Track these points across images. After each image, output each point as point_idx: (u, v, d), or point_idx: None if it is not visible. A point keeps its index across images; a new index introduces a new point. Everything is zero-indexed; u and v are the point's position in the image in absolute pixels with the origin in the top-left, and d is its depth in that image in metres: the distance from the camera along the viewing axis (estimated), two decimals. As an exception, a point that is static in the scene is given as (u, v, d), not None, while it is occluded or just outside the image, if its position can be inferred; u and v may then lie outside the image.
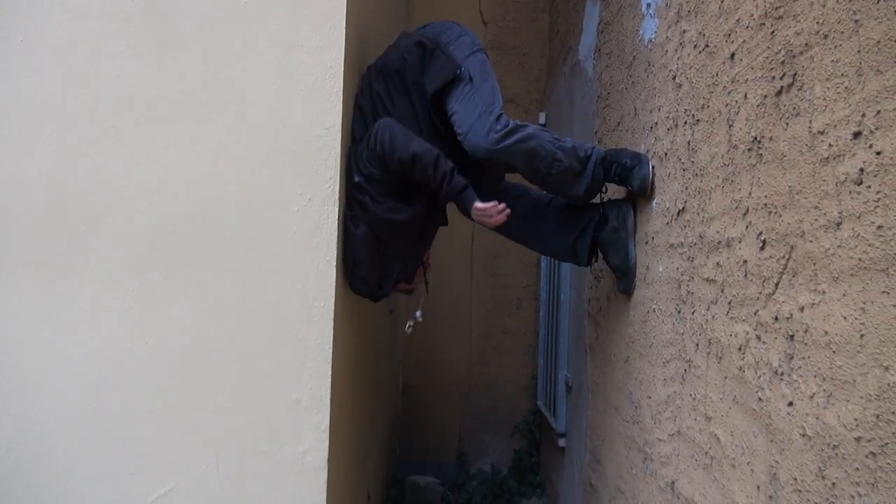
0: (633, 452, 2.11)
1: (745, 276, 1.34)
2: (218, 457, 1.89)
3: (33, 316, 1.87)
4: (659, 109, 1.96)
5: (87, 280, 1.88)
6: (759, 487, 1.26)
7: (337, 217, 1.91)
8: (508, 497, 3.84)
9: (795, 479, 1.12)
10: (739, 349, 1.36)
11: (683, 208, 1.73)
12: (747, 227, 1.34)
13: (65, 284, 1.87)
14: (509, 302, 4.29)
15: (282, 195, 1.90)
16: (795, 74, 1.17)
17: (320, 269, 1.87)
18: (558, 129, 3.67)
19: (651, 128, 2.04)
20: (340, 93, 1.90)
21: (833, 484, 1.02)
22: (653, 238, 1.99)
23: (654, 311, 1.95)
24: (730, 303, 1.42)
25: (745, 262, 1.34)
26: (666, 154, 1.89)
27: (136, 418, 1.88)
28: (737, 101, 1.41)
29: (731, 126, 1.44)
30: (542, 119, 4.19)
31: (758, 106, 1.30)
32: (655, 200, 1.98)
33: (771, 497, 1.21)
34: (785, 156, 1.19)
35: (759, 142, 1.29)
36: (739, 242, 1.38)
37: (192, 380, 1.89)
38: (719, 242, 1.49)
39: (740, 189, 1.38)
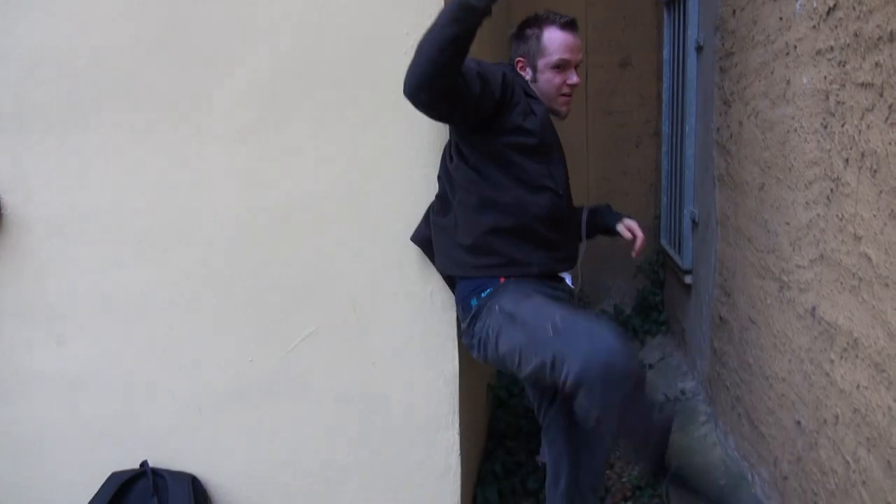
0: (768, 282, 2.03)
1: (913, 72, 1.17)
2: (354, 299, 2.01)
3: (174, 177, 1.98)
4: None
5: (214, 139, 1.95)
6: (917, 304, 1.17)
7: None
8: (633, 335, 3.88)
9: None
10: (901, 158, 1.22)
11: (835, 5, 1.51)
12: (919, 13, 1.15)
13: (194, 145, 1.96)
14: (628, 140, 4.08)
15: (387, 40, 1.85)
16: None
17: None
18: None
19: (796, -86, 1.75)
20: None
21: None
22: (794, 47, 1.78)
23: (796, 130, 1.78)
24: (890, 106, 1.25)
25: (914, 55, 1.16)
26: (814, -57, 1.62)
27: (276, 267, 2.01)
28: None
29: None
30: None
31: None
32: (799, 2, 1.73)
33: (931, 313, 1.12)
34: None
35: None
36: (907, 34, 1.19)
37: (317, 228, 1.97)
38: (880, 38, 1.29)
39: (912, -32, 1.17)
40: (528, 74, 1.86)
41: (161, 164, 1.99)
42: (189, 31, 1.91)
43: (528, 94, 1.82)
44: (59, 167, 2.00)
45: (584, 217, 2.02)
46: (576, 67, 1.85)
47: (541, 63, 1.83)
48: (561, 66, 1.82)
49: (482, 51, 2.01)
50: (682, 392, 3.06)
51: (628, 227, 1.97)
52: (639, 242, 1.94)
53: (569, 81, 1.84)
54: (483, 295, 1.75)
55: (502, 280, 1.76)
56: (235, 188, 1.98)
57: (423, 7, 1.83)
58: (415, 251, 1.95)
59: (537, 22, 1.84)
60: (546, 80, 1.84)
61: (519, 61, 1.87)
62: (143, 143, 1.98)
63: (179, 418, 2.10)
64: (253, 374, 2.08)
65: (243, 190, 1.98)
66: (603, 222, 2.04)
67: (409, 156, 1.93)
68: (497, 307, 1.69)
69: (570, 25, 1.83)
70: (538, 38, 1.82)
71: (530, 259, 1.78)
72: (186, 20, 1.90)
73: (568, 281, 1.92)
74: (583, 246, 2.00)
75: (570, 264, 1.90)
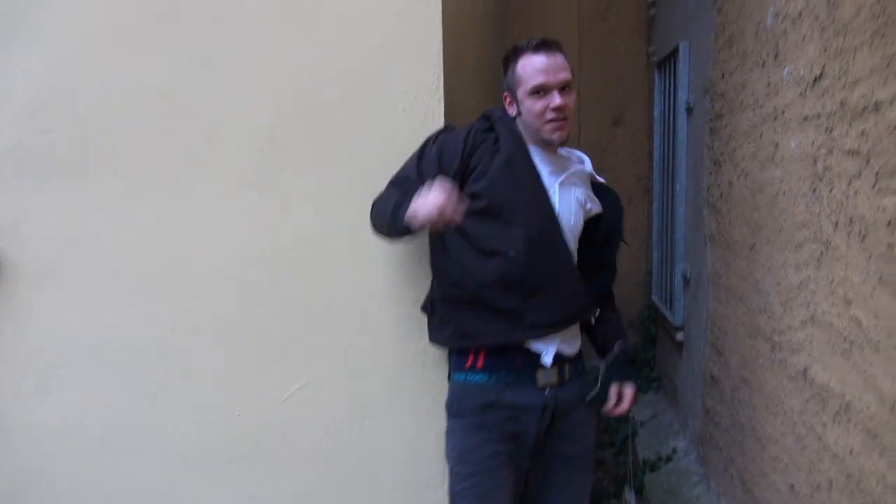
0: (760, 342, 2.03)
1: (898, 142, 1.20)
2: (346, 353, 1.99)
3: (171, 224, 1.98)
4: (791, -36, 1.74)
5: (213, 187, 1.96)
6: (908, 370, 1.17)
7: (443, 113, 1.87)
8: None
9: (954, 359, 1.03)
10: (888, 224, 1.24)
11: (821, 74, 1.56)
12: (901, 85, 1.19)
13: (195, 193, 1.97)
14: (620, 196, 4.13)
15: (388, 93, 1.89)
16: None
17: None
18: (670, 5, 3.37)
19: (781, -13, 1.82)
20: (437, -19, 1.82)
21: None
22: (782, 112, 1.82)
23: (785, 193, 1.81)
24: (877, 174, 1.28)
25: (898, 126, 1.19)
26: (800, 14, 1.69)
27: (268, 317, 2.00)
28: (891, -61, 1.21)
29: (883, -30, 1.25)
30: (651, -3, 3.86)
31: (920, -60, 1.11)
32: (787, 69, 1.79)
33: (923, 379, 1.12)
34: (955, -6, 1.02)
35: (921, -17, 1.11)
36: (891, 104, 1.23)
37: (315, 276, 1.97)
38: (865, 108, 1.33)
39: (894, 43, 1.21)
40: (513, 110, 1.73)
41: (158, 212, 1.99)
42: (191, 78, 1.94)
43: (497, 142, 1.71)
44: (56, 212, 2.00)
45: (611, 322, 1.92)
46: (563, 89, 1.66)
47: (520, 94, 1.69)
48: (540, 91, 1.66)
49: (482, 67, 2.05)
50: (674, 451, 3.02)
51: (621, 393, 1.87)
52: (617, 410, 1.86)
53: (551, 105, 1.65)
54: (453, 378, 1.82)
55: (470, 360, 1.76)
56: (231, 237, 1.98)
57: (422, 61, 1.87)
58: (408, 306, 1.94)
59: (513, 53, 1.72)
60: (527, 110, 1.68)
61: (505, 97, 1.76)
62: (141, 189, 1.98)
63: (164, 472, 2.05)
64: (240, 428, 2.04)
65: (239, 239, 1.98)
66: (603, 348, 1.93)
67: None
68: (448, 438, 1.83)
69: (543, 46, 1.67)
70: (514, 69, 1.70)
71: (480, 331, 1.72)
72: (188, 67, 1.94)
73: (547, 359, 1.73)
74: (609, 356, 1.88)
75: (544, 331, 1.72)
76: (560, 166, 1.77)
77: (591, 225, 1.83)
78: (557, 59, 1.66)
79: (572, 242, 1.77)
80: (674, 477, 2.85)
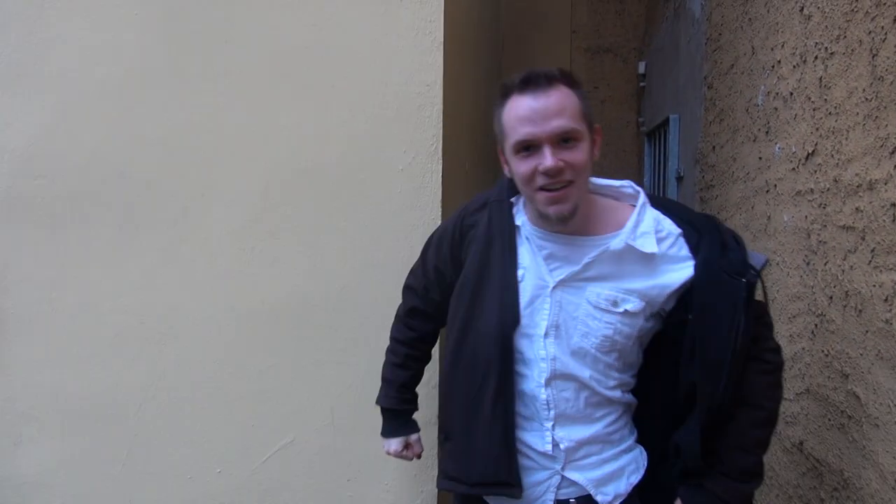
0: (753, 412, 2.01)
1: (894, 220, 1.22)
2: (333, 410, 1.95)
3: (160, 278, 1.96)
4: (782, 46, 1.81)
5: (204, 242, 1.95)
6: (910, 448, 1.16)
7: (441, 174, 1.89)
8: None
9: (958, 439, 1.03)
10: (886, 300, 1.25)
11: (814, 151, 1.60)
12: (896, 166, 1.22)
13: (185, 247, 1.96)
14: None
15: (386, 154, 1.90)
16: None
17: (426, 227, 1.86)
18: (660, 77, 3.48)
19: (773, 67, 1.89)
20: (441, 47, 1.87)
21: None
22: (775, 186, 1.86)
23: (778, 264, 1.83)
24: (873, 250, 1.31)
25: (894, 205, 1.22)
26: (791, 94, 1.75)
27: (255, 374, 1.96)
28: (882, 28, 1.27)
29: (874, 56, 1.30)
30: (641, 69, 4.00)
31: (911, 30, 1.17)
32: (778, 145, 1.84)
33: (926, 458, 1.11)
34: (948, 82, 1.06)
35: (914, 70, 1.16)
36: (885, 184, 1.26)
37: (305, 336, 1.94)
38: (859, 186, 1.37)
39: (887, 125, 1.25)
40: (508, 172, 1.28)
41: (146, 265, 1.97)
42: (185, 134, 1.94)
43: (489, 224, 1.33)
44: (42, 262, 1.97)
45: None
46: (561, 142, 1.16)
47: (507, 152, 1.23)
48: (527, 148, 1.18)
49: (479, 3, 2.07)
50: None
51: None
52: None
53: (540, 167, 1.16)
54: None
55: None
56: (220, 293, 1.96)
57: (421, 124, 1.89)
58: (400, 364, 1.91)
59: (501, 93, 1.24)
60: (515, 174, 1.23)
61: (501, 156, 1.30)
62: (130, 241, 1.96)
63: (136, 532, 1.97)
64: (220, 487, 1.97)
65: (227, 296, 1.96)
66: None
67: (401, 272, 1.93)
68: None
69: (530, 84, 1.18)
70: (500, 117, 1.24)
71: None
72: (182, 124, 1.95)
73: None
74: None
75: (454, 487, 1.36)
76: (578, 251, 1.24)
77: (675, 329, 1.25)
78: (551, 99, 1.16)
79: (578, 369, 1.24)
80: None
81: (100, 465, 1.97)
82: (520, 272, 1.27)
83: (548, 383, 1.25)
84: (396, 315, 1.60)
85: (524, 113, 1.16)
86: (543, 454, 1.28)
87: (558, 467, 1.28)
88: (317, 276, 1.94)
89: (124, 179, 1.97)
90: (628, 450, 1.32)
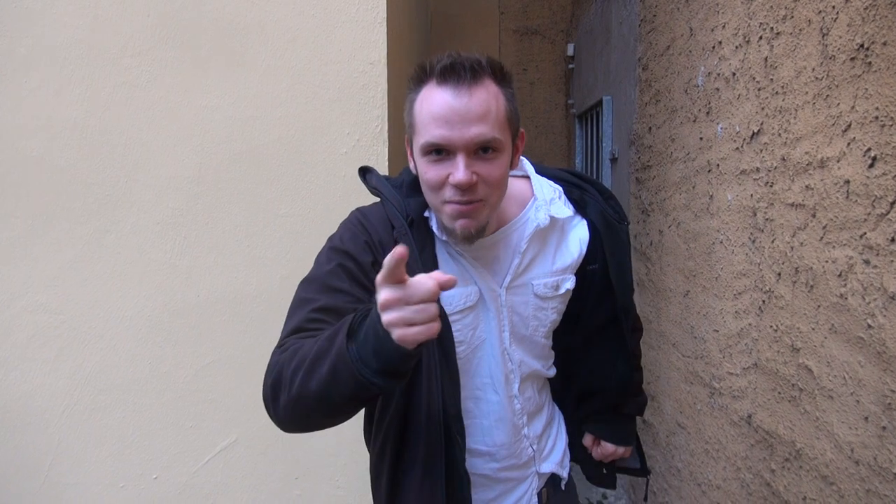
0: (697, 387, 2.06)
1: (847, 196, 1.25)
2: (278, 407, 1.85)
3: (81, 271, 1.80)
4: (723, 27, 1.84)
5: (131, 232, 1.81)
6: (867, 418, 1.20)
7: (387, 157, 1.81)
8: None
9: (918, 408, 1.06)
10: (839, 276, 1.28)
11: (759, 130, 1.63)
12: (849, 144, 1.25)
13: (109, 238, 1.81)
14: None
15: (328, 136, 1.81)
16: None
17: (374, 212, 1.79)
18: (590, 59, 3.51)
19: (713, 48, 1.91)
20: (385, 22, 1.78)
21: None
22: (717, 165, 1.90)
23: (722, 242, 1.87)
24: (825, 227, 1.34)
25: (848, 182, 1.25)
26: (734, 74, 1.77)
27: (192, 372, 1.84)
28: (834, 7, 1.29)
29: (825, 35, 1.32)
30: (570, 50, 4.02)
31: (865, 9, 1.19)
32: (720, 125, 1.87)
33: (884, 428, 1.15)
34: (907, 61, 1.08)
35: (868, 49, 1.18)
36: (838, 161, 1.28)
37: (245, 330, 1.84)
38: (809, 164, 1.39)
39: (839, 104, 1.28)
40: (414, 169, 1.09)
41: (65, 258, 1.80)
42: (105, 114, 1.79)
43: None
44: (-56, 256, 1.78)
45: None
46: (479, 151, 0.99)
47: (415, 149, 1.05)
48: (439, 152, 0.99)
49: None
50: (604, 496, 3.01)
51: (605, 452, 1.38)
52: (598, 454, 1.39)
53: (451, 179, 0.99)
54: None
55: None
56: (150, 286, 1.82)
57: (365, 104, 1.81)
58: (349, 355, 1.84)
59: (416, 77, 1.04)
60: (422, 177, 1.04)
61: (408, 147, 1.10)
62: (49, 231, 1.80)
63: (64, 548, 1.82)
64: (157, 494, 1.85)
65: (158, 288, 1.82)
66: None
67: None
68: None
69: (452, 75, 0.98)
70: (412, 107, 1.04)
71: None
72: (102, 103, 1.79)
73: None
74: None
75: None
76: (505, 254, 1.13)
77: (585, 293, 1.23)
78: (473, 99, 0.97)
79: (535, 362, 1.21)
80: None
81: (19, 479, 1.81)
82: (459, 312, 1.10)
83: (520, 391, 1.19)
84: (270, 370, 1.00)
85: (440, 111, 0.97)
86: (524, 465, 1.23)
87: (534, 468, 1.24)
88: (256, 267, 1.83)
89: (40, 164, 1.79)
90: (558, 417, 1.35)
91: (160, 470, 1.85)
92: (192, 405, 1.85)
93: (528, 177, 1.20)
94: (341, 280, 1.04)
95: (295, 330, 1.01)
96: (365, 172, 1.19)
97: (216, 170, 1.81)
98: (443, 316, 0.99)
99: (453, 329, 1.09)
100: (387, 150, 1.82)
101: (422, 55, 3.40)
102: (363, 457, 1.80)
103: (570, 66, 4.09)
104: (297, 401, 0.91)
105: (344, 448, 1.87)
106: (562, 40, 4.20)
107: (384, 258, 0.78)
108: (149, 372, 1.83)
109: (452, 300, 1.09)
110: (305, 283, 1.09)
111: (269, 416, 0.99)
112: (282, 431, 1.04)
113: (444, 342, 1.08)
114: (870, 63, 1.17)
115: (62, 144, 1.79)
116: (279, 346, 1.01)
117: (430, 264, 1.07)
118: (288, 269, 1.83)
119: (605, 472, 1.42)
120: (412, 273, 0.83)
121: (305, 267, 1.84)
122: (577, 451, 1.40)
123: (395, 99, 1.94)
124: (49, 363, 1.82)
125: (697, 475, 2.05)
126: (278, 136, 1.81)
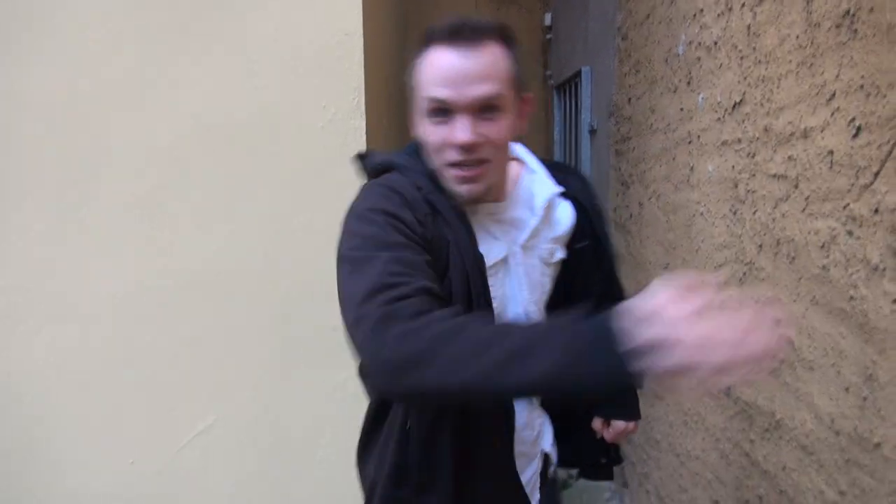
0: (677, 359, 2.07)
1: (831, 167, 1.24)
2: (256, 387, 1.83)
3: (54, 248, 1.75)
4: (705, -6, 1.80)
5: (107, 207, 1.75)
6: (847, 389, 1.21)
7: (364, 131, 1.77)
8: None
9: (900, 378, 1.07)
10: (822, 247, 1.28)
11: (741, 100, 1.61)
12: (833, 113, 1.23)
13: (85, 212, 1.75)
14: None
15: (304, 110, 1.76)
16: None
17: (351, 186, 1.75)
18: (568, 29, 3.46)
19: (694, 16, 1.88)
20: (359, -9, 1.73)
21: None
22: (698, 137, 1.88)
23: (702, 214, 1.86)
24: (807, 198, 1.33)
25: (832, 152, 1.24)
26: (715, 43, 1.74)
27: (171, 351, 1.80)
28: (818, -27, 1.26)
29: (809, 2, 1.30)
30: (547, 20, 3.97)
31: (851, -25, 1.16)
32: (702, 95, 1.85)
33: (865, 398, 1.16)
34: (895, 26, 1.06)
35: (854, 15, 1.16)
36: (822, 131, 1.27)
37: (223, 310, 1.80)
38: (792, 134, 1.38)
39: (823, 73, 1.26)
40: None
41: (40, 231, 1.74)
42: (80, 85, 1.72)
43: (435, 213, 1.05)
44: None
45: None
46: (482, 111, 1.00)
47: (418, 111, 1.06)
48: (440, 112, 1.01)
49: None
50: (570, 476, 3.04)
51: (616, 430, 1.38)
52: (610, 435, 1.40)
53: (451, 139, 1.00)
54: None
55: None
56: (123, 265, 1.77)
57: (341, 76, 1.76)
58: (328, 334, 1.81)
59: (422, 41, 1.05)
60: (427, 140, 1.06)
61: (414, 117, 1.11)
62: (19, 206, 1.73)
63: (40, 533, 1.79)
64: (133, 478, 1.82)
65: (132, 267, 1.77)
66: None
67: (326, 238, 1.81)
68: None
69: (458, 36, 0.99)
70: (416, 70, 1.05)
71: None
72: (78, 74, 1.72)
73: None
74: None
75: None
76: (522, 214, 1.15)
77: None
78: (479, 59, 0.98)
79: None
80: (586, 494, 2.86)
81: (-9, 465, 1.77)
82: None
83: None
84: (393, 318, 0.82)
85: (444, 72, 0.99)
86: (534, 442, 1.24)
87: (540, 447, 1.26)
88: (233, 244, 1.79)
89: (8, 137, 1.72)
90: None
91: (137, 454, 1.83)
92: (169, 387, 1.82)
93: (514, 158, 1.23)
94: (397, 234, 0.96)
95: (380, 288, 0.85)
96: (363, 157, 1.18)
97: (188, 145, 1.75)
98: (482, 269, 1.05)
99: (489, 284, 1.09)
100: (364, 123, 1.78)
101: (398, 26, 3.33)
102: (345, 434, 1.79)
103: (548, 36, 4.03)
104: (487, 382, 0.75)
105: (327, 426, 1.85)
106: (539, 9, 4.14)
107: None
108: (123, 353, 1.79)
109: (489, 254, 1.09)
110: (355, 247, 0.95)
111: (382, 379, 0.83)
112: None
113: (484, 298, 1.06)
114: (855, 30, 1.16)
115: (32, 116, 1.72)
116: (384, 311, 0.82)
117: (461, 219, 1.07)
118: (266, 246, 1.80)
119: (603, 461, 1.42)
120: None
121: (284, 243, 1.81)
122: (570, 453, 1.40)
123: (372, 70, 1.89)
124: (21, 345, 1.77)
125: (676, 446, 2.07)
126: (253, 110, 1.76)
